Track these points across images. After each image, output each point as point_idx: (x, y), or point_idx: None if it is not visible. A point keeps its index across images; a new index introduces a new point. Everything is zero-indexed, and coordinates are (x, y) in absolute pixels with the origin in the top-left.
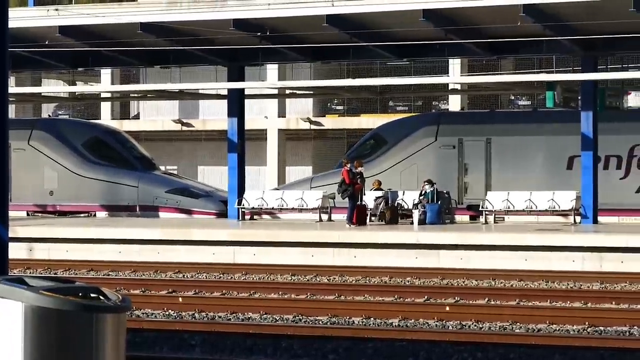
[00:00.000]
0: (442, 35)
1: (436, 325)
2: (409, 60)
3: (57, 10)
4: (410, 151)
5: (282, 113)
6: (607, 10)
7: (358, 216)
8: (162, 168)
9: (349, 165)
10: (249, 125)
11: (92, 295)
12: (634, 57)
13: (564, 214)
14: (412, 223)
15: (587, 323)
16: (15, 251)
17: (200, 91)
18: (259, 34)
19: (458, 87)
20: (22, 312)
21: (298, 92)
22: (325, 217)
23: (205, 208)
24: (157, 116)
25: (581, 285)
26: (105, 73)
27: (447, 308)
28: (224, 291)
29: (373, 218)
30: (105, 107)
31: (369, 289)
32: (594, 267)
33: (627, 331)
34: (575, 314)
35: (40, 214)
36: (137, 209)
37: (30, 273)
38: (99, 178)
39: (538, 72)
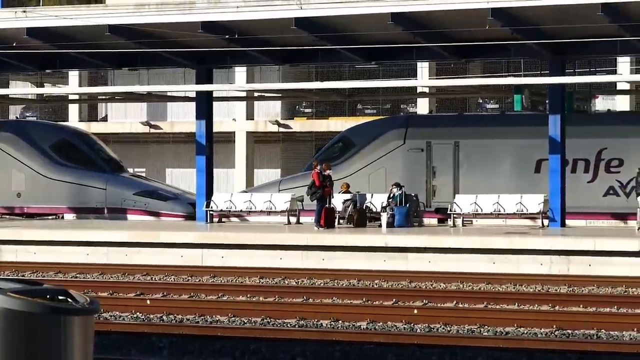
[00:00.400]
0: (411, 38)
1: (404, 328)
2: (378, 64)
3: (24, 12)
4: (379, 154)
5: (250, 116)
6: (575, 14)
7: (326, 219)
8: (130, 170)
9: (319, 168)
10: (217, 127)
11: (60, 297)
12: (602, 60)
13: (531, 217)
14: (380, 226)
15: (554, 326)
16: None
17: (169, 93)
18: (227, 36)
19: (426, 90)
20: None
21: (266, 94)
22: (293, 219)
23: (174, 210)
24: (125, 118)
25: (549, 288)
26: (73, 75)
27: (416, 311)
28: (192, 294)
29: (341, 221)
30: (73, 109)
31: (337, 291)
32: (562, 271)
33: (595, 334)
34: (543, 317)
35: (7, 216)
36: (105, 211)
37: None
38: (66, 180)
39: (506, 76)
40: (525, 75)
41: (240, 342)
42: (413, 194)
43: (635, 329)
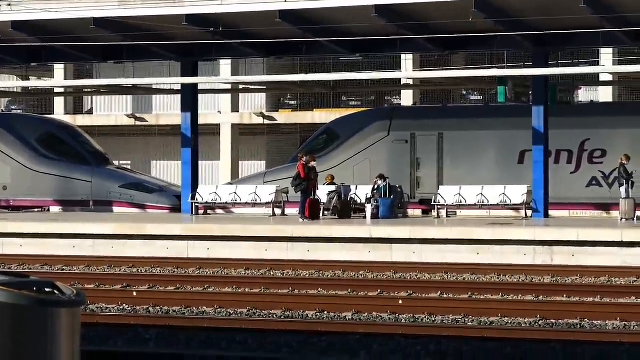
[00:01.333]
0: (395, 30)
1: (389, 318)
2: (362, 56)
3: (9, 5)
4: (363, 146)
5: (235, 108)
6: (558, 5)
7: (311, 210)
8: (116, 163)
9: (304, 159)
10: (202, 120)
11: (47, 289)
12: (585, 52)
13: (515, 208)
14: (365, 217)
15: (538, 316)
16: None
17: (154, 86)
18: (212, 29)
19: (410, 82)
20: None
21: (251, 87)
22: (278, 211)
23: (159, 203)
24: (111, 111)
25: (532, 278)
26: (59, 68)
27: (400, 301)
28: (178, 285)
29: (326, 212)
30: (59, 102)
31: (323, 282)
32: (545, 261)
33: (578, 324)
34: (527, 307)
35: None
36: (91, 204)
37: None
38: (52, 173)
39: (490, 68)
40: (508, 67)
41: (227, 333)
42: (397, 186)
43: (618, 318)
